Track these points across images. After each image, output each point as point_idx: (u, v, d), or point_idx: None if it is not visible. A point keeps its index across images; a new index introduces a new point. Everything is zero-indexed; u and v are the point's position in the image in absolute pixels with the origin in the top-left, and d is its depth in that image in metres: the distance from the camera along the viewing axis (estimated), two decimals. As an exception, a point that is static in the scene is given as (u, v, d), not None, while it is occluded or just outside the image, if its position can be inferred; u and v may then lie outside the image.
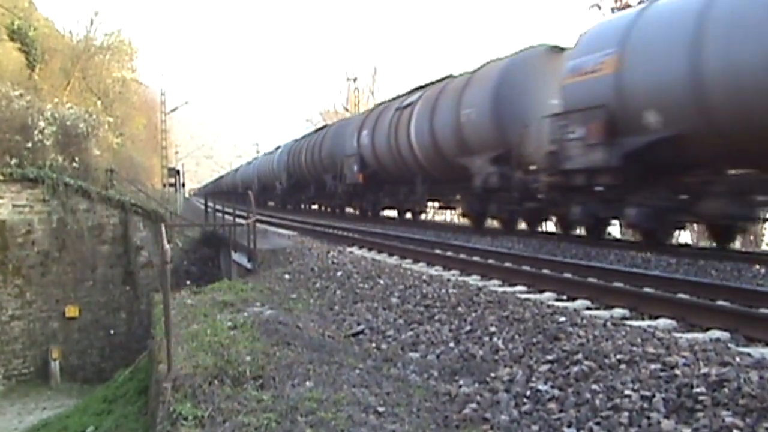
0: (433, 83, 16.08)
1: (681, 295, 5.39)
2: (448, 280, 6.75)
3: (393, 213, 20.29)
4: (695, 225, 20.35)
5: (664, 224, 8.88)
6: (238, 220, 14.50)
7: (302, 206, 27.84)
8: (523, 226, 13.19)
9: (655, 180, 8.56)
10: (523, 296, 5.75)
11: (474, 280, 7.08)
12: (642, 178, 8.59)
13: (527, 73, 12.24)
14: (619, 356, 3.56)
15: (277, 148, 33.17)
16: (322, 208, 25.20)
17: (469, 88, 13.32)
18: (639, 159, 8.41)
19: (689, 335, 4.25)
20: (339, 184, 20.52)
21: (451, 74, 15.49)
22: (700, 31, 7.46)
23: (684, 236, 20.74)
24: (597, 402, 3.12)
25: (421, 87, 16.72)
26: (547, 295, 6.00)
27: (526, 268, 7.30)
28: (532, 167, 11.19)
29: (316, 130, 26.80)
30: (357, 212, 20.80)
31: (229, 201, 22.44)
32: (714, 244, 9.73)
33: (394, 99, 19.38)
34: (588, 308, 5.34)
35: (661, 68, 8.06)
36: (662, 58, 8.05)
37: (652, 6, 8.77)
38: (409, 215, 19.18)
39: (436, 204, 18.39)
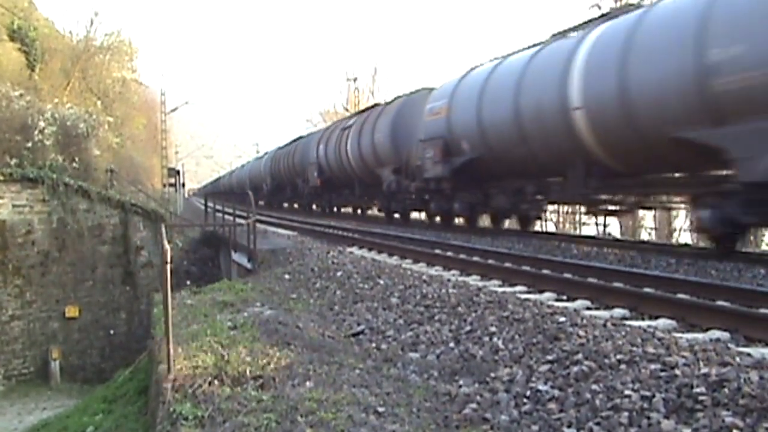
0: (366, 109, 21.14)
1: (681, 295, 5.39)
2: (448, 280, 6.75)
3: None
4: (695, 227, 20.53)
5: (474, 213, 14.26)
6: (238, 221, 14.50)
7: (284, 204, 32.32)
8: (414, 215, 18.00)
9: (471, 185, 13.31)
10: (523, 296, 5.75)
11: (474, 280, 7.08)
12: (464, 184, 13.37)
13: (415, 108, 16.43)
14: (619, 356, 3.56)
15: (265, 153, 38.52)
16: (295, 206, 30.44)
17: (381, 117, 18.23)
18: (461, 172, 13.14)
19: (689, 335, 4.25)
20: (305, 187, 25.46)
21: (377, 103, 20.18)
22: (480, 97, 12.52)
23: (684, 236, 20.77)
24: (597, 402, 3.12)
25: (360, 112, 21.40)
26: (547, 295, 6.00)
27: (526, 268, 7.30)
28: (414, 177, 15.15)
29: (292, 141, 30.88)
30: (318, 209, 25.61)
31: (226, 201, 23.94)
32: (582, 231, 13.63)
33: (343, 120, 25.21)
34: (588, 308, 5.34)
35: (466, 115, 12.91)
36: (466, 110, 12.93)
37: (466, 76, 13.80)
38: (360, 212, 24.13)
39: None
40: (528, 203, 12.27)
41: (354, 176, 20.28)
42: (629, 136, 8.70)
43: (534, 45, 11.84)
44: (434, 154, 13.75)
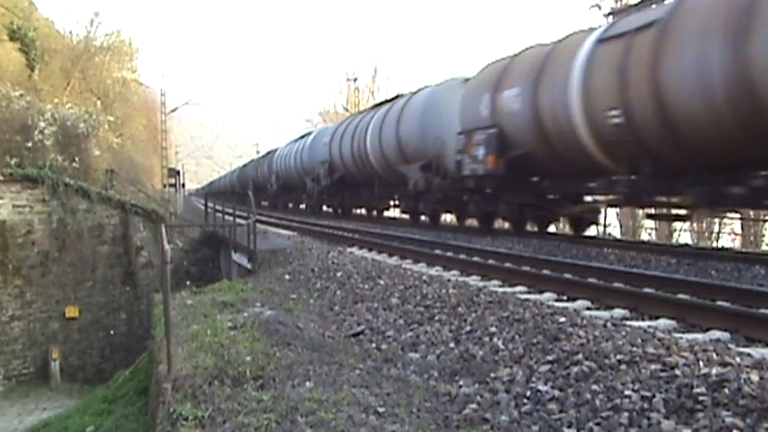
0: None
1: (681, 296, 5.39)
2: (448, 280, 6.75)
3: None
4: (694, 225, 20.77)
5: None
6: (238, 221, 14.50)
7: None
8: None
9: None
10: (523, 297, 5.74)
11: (474, 280, 7.08)
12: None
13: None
14: (619, 356, 3.56)
15: (236, 168, 54.92)
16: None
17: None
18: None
19: (689, 335, 4.25)
20: (247, 188, 34.18)
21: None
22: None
23: (684, 236, 20.77)
24: (597, 402, 3.12)
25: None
26: (547, 295, 5.99)
27: (526, 268, 7.30)
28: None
29: (244, 165, 47.22)
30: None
31: (217, 199, 25.47)
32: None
33: (266, 154, 37.55)
34: (588, 309, 5.34)
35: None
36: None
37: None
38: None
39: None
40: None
41: (267, 186, 31.03)
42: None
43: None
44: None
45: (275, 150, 33.39)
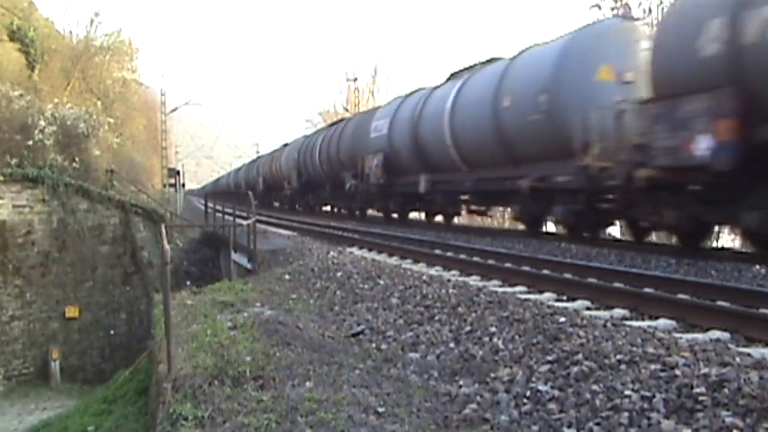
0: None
1: (681, 296, 5.39)
2: (448, 280, 6.75)
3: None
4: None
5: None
6: (238, 221, 14.50)
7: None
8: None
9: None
10: (523, 297, 5.74)
11: (474, 280, 7.08)
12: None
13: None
14: (619, 356, 3.56)
15: (222, 176, 67.42)
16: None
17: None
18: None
19: (689, 335, 4.25)
20: (235, 190, 43.48)
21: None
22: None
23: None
24: (597, 402, 3.12)
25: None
26: (547, 295, 5.99)
27: (526, 268, 7.30)
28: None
29: (218, 177, 65.11)
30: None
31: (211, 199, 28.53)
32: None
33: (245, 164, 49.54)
34: (588, 309, 5.33)
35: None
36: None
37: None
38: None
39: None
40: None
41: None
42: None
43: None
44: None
45: (240, 167, 52.17)
